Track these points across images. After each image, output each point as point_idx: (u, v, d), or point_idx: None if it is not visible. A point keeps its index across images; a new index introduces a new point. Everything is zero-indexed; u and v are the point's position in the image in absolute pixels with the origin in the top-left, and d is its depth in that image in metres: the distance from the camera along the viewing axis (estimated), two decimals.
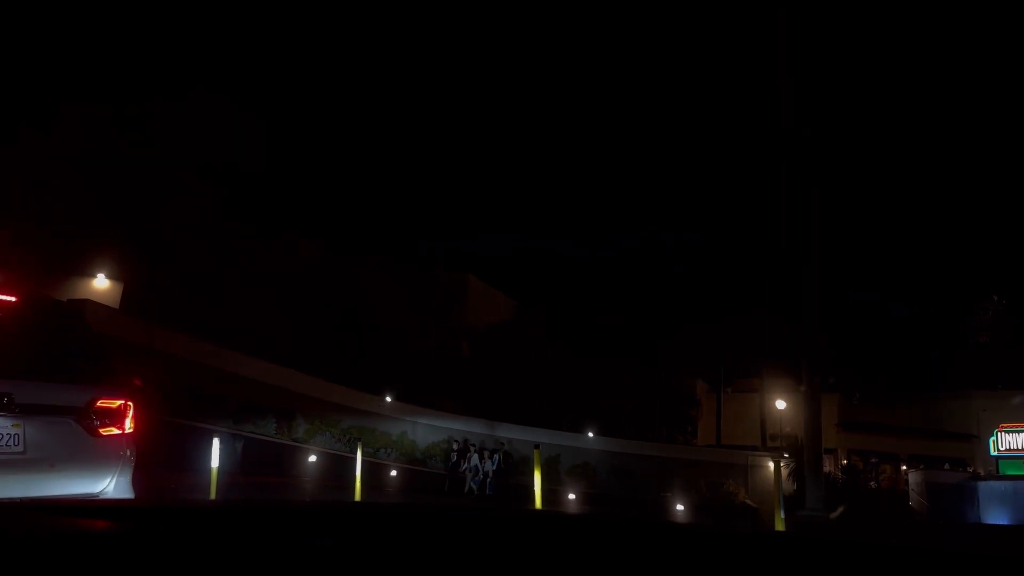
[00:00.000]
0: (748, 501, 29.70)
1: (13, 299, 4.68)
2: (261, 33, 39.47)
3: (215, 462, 9.45)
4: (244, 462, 20.00)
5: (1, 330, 4.54)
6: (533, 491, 8.46)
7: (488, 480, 24.25)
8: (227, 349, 22.11)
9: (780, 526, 8.56)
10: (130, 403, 4.92)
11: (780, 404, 33.98)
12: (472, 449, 24.62)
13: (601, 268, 38.92)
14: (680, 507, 26.25)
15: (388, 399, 27.68)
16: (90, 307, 18.72)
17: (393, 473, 24.54)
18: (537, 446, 9.76)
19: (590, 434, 30.85)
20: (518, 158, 53.93)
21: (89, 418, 4.58)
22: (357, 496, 11.68)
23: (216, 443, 9.58)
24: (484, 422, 29.80)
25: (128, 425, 4.87)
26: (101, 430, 4.64)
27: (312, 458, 22.65)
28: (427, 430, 28.38)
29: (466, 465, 24.30)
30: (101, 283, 23.79)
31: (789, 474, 27.56)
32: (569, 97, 53.47)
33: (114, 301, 23.05)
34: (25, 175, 21.34)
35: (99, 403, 4.67)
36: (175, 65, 30.47)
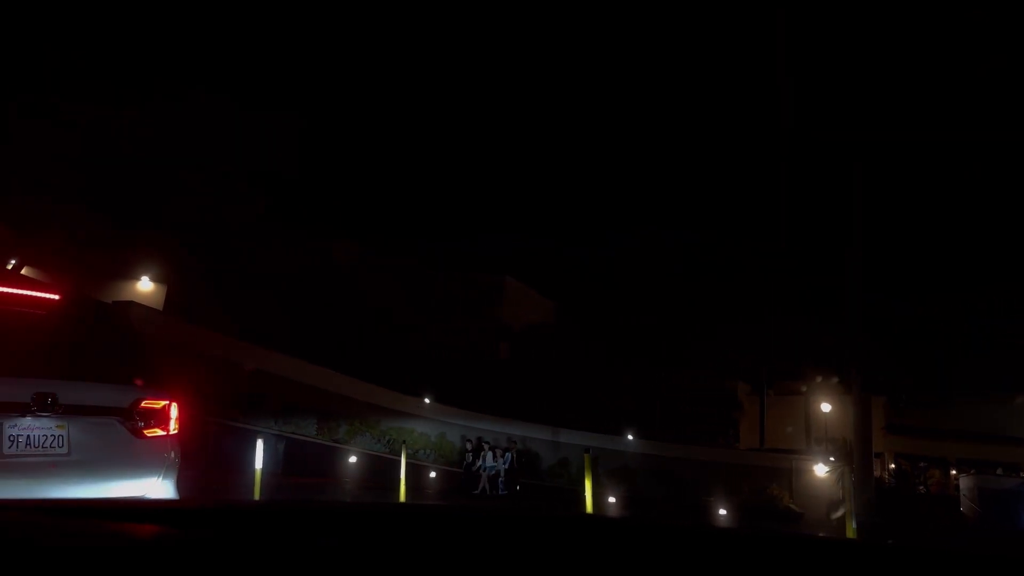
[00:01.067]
0: (793, 506, 29.10)
1: (56, 297, 4.63)
2: (296, 39, 39.85)
3: (259, 463, 9.40)
4: (286, 463, 20.08)
5: (44, 330, 4.51)
6: (583, 494, 8.29)
7: (500, 479, 23.82)
8: (268, 350, 22.24)
9: (851, 534, 8.23)
10: (174, 404, 4.85)
11: (825, 407, 33.23)
12: (486, 447, 24.14)
13: (637, 269, 38.52)
14: (723, 511, 25.80)
15: (427, 400, 27.67)
16: (135, 309, 18.93)
17: (432, 475, 24.48)
18: (588, 450, 9.56)
19: (629, 436, 30.52)
20: (545, 158, 53.70)
21: (133, 419, 4.52)
22: (402, 498, 11.59)
23: (260, 444, 9.53)
24: (522, 424, 29.64)
25: (172, 426, 4.81)
26: (145, 431, 4.58)
27: (352, 459, 22.69)
28: (466, 432, 28.31)
29: (480, 463, 23.76)
30: (145, 286, 24.16)
31: (837, 479, 26.87)
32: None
33: (158, 303, 23.36)
34: (71, 180, 21.72)
35: (143, 404, 4.61)
36: (214, 71, 30.88)
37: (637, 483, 28.07)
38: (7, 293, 4.38)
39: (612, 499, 26.53)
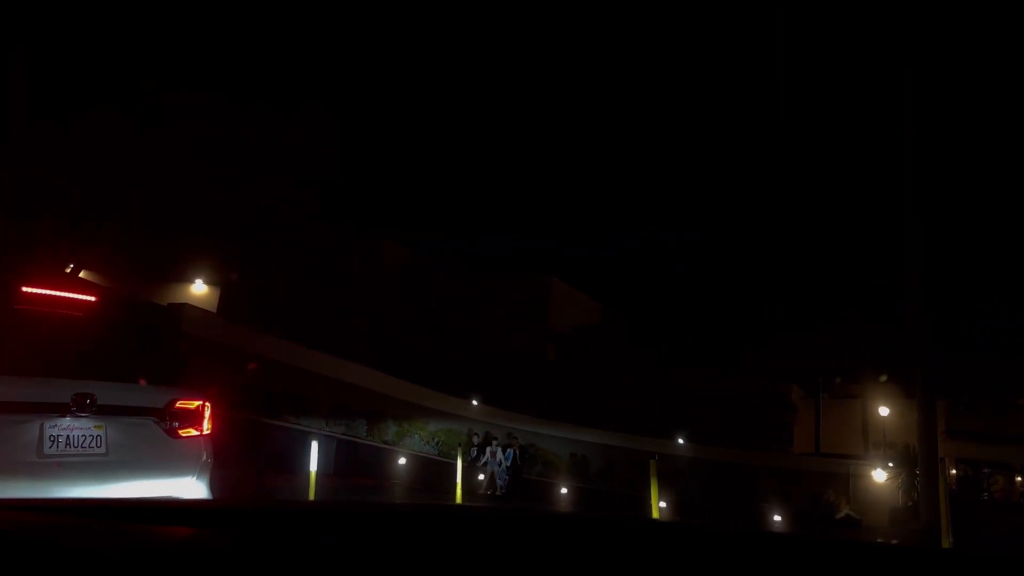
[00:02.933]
0: (851, 512, 28.28)
1: (92, 299, 4.74)
2: (341, 43, 40.20)
3: (313, 465, 9.32)
4: (337, 464, 20.10)
5: (82, 331, 4.59)
6: (648, 500, 8.03)
7: (502, 477, 22.44)
8: (318, 352, 22.36)
9: (946, 543, 7.81)
10: (208, 404, 4.91)
11: (883, 411, 32.23)
12: (493, 443, 22.86)
13: (687, 271, 37.90)
14: (777, 517, 25.15)
15: (474, 402, 27.59)
16: (188, 311, 19.18)
17: (480, 477, 24.34)
18: (654, 456, 9.29)
19: (680, 440, 30.01)
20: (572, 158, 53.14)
21: (168, 419, 4.59)
22: (458, 500, 11.47)
23: (314, 446, 9.46)
24: (569, 427, 29.37)
25: (206, 426, 4.87)
26: (180, 431, 4.65)
27: (402, 461, 22.66)
28: (517, 434, 28.14)
29: (486, 459, 22.59)
30: (199, 288, 24.53)
31: (899, 485, 26.04)
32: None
33: (211, 306, 23.68)
34: (126, 185, 22.13)
35: (178, 404, 4.68)
36: (265, 76, 31.29)
37: (688, 488, 27.54)
38: (45, 295, 4.45)
39: (663, 504, 26.10)
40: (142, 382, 4.72)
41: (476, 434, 23.87)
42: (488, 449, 22.79)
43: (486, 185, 46.46)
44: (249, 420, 17.91)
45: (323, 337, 24.21)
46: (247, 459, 16.85)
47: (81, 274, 20.89)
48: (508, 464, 22.72)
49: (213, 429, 4.95)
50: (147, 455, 4.48)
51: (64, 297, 4.55)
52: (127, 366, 4.69)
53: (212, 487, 4.88)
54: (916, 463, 23.49)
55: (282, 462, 17.44)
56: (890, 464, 29.11)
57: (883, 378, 32.48)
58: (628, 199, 53.68)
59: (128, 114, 22.04)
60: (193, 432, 4.74)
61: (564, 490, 25.40)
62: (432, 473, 22.37)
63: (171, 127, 23.99)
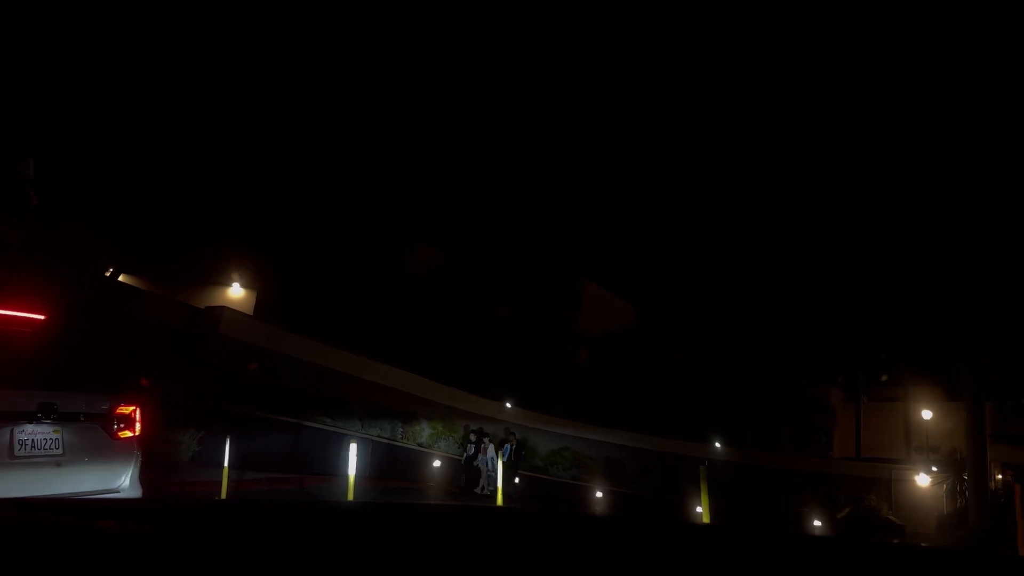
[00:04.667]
0: (892, 517, 27.68)
1: (41, 318, 5.37)
2: (374, 49, 40.39)
3: (352, 469, 9.26)
4: (373, 466, 20.10)
5: (38, 346, 5.21)
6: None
7: (492, 473, 21.50)
8: (353, 354, 22.42)
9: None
10: (138, 408, 5.54)
11: (926, 414, 31.48)
12: (486, 440, 21.65)
13: (720, 273, 37.39)
14: (817, 522, 24.68)
15: (508, 405, 27.48)
16: (226, 314, 19.33)
17: (516, 480, 24.21)
18: (704, 462, 9.09)
19: (716, 444, 29.61)
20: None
21: (110, 423, 5.27)
22: (499, 503, 11.35)
23: (353, 448, 9.40)
24: (602, 430, 29.13)
25: (138, 428, 5.48)
26: (119, 433, 5.31)
27: (436, 463, 22.60)
28: (547, 437, 27.96)
29: (482, 457, 21.31)
30: (236, 292, 24.75)
31: (945, 491, 25.43)
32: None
33: (247, 308, 23.87)
34: (167, 191, 22.41)
35: (117, 409, 5.34)
36: (298, 81, 31.52)
37: (726, 493, 27.14)
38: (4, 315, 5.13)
39: (699, 509, 25.76)
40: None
41: (473, 431, 22.91)
42: (482, 446, 21.62)
43: (516, 185, 46.30)
44: (283, 423, 17.99)
45: (356, 339, 24.30)
46: (285, 461, 16.94)
47: (120, 278, 21.22)
48: (505, 460, 21.80)
49: (143, 430, 5.55)
50: (95, 454, 5.12)
51: (11, 317, 5.21)
52: (77, 375, 5.35)
53: (142, 480, 5.50)
54: (963, 467, 22.87)
55: (318, 464, 17.47)
56: (934, 468, 28.46)
57: (919, 384, 31.65)
58: (663, 197, 53.27)
59: (169, 122, 22.31)
60: (128, 434, 5.37)
61: (599, 494, 25.19)
62: (469, 476, 22.28)
63: (209, 135, 24.25)
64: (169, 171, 21.94)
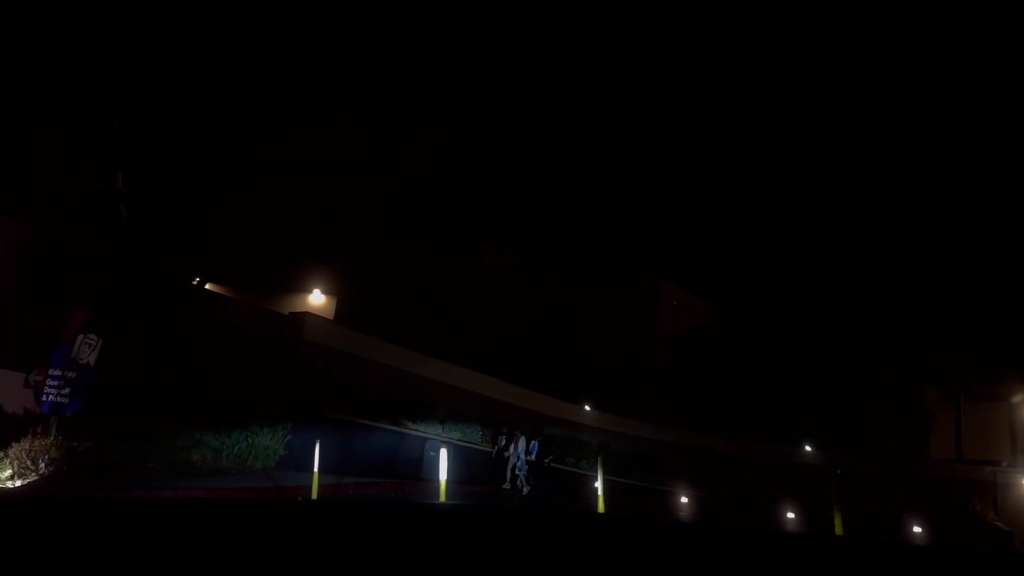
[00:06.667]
0: (999, 523, 26.10)
1: None
2: (444, 54, 40.62)
3: (443, 473, 9.11)
4: (453, 470, 20.01)
5: None
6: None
7: (522, 468, 20.25)
8: (432, 357, 22.45)
9: None
10: None
11: None
12: (517, 434, 20.86)
13: (810, 273, 36.09)
14: (917, 528, 23.43)
15: (587, 408, 27.11)
16: (309, 319, 19.61)
17: (596, 485, 23.81)
18: (838, 471, 8.64)
19: (807, 447, 28.54)
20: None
21: None
22: (600, 509, 11.04)
23: (444, 453, 9.26)
24: (685, 433, 28.44)
25: None
26: None
27: (522, 469, 22.36)
28: (627, 441, 27.46)
29: (514, 450, 20.54)
30: (317, 298, 25.16)
31: None
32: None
33: (328, 314, 24.23)
34: (248, 205, 22.97)
35: None
36: (373, 91, 31.96)
37: (819, 497, 26.04)
38: None
39: (791, 515, 24.76)
40: None
41: (504, 426, 22.19)
42: (514, 440, 20.79)
43: (586, 186, 45.85)
44: (364, 425, 18.08)
45: (432, 342, 24.35)
46: (366, 464, 17.01)
47: (207, 286, 21.82)
48: (532, 457, 21.08)
49: None
50: None
51: None
52: None
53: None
54: None
55: (401, 467, 17.49)
56: None
57: None
58: (751, 199, 51.92)
59: (252, 135, 22.88)
60: None
61: (684, 499, 24.52)
62: (548, 479, 21.98)
63: (289, 146, 24.75)
64: (252, 182, 22.50)
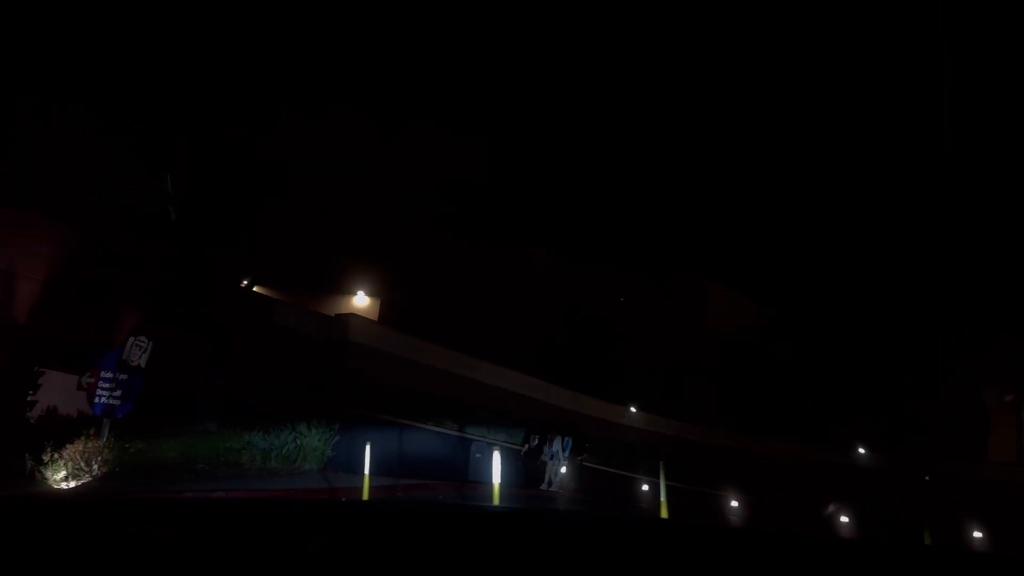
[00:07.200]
0: None
1: None
2: (485, 57, 40.59)
3: (496, 477, 8.90)
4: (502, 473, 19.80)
5: None
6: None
7: (559, 468, 20.05)
8: (476, 359, 22.27)
9: None
10: None
11: None
12: (551, 436, 20.48)
13: (863, 272, 35.13)
14: (978, 533, 22.57)
15: (632, 409, 26.73)
16: (354, 321, 19.58)
17: (645, 488, 23.41)
18: (928, 478, 8.21)
19: (860, 450, 27.72)
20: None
21: None
22: (663, 515, 10.73)
23: (497, 457, 9.05)
24: (734, 436, 27.87)
25: None
26: None
27: (563, 470, 22.09)
28: (676, 444, 26.98)
29: (548, 449, 20.21)
30: (360, 300, 25.18)
31: None
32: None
33: (372, 316, 24.23)
34: (295, 203, 23.10)
35: None
36: (414, 94, 31.98)
37: (872, 500, 25.25)
38: None
39: (845, 519, 24.02)
40: None
41: (534, 430, 21.69)
42: (548, 438, 20.53)
43: (625, 185, 45.37)
44: (409, 427, 17.97)
45: (476, 343, 24.18)
46: (411, 466, 16.90)
47: (255, 288, 21.96)
48: (567, 454, 20.57)
49: None
50: None
51: None
52: None
53: None
54: None
55: (447, 469, 17.35)
56: None
57: None
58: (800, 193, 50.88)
59: (297, 139, 23.04)
60: None
61: (734, 503, 23.97)
62: (598, 482, 21.66)
63: (332, 150, 24.86)
64: (297, 184, 22.65)
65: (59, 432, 10.23)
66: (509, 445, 21.16)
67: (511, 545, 1.75)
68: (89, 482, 9.81)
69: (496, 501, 8.85)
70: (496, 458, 9.00)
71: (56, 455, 9.66)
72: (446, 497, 14.50)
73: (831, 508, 23.01)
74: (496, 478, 8.87)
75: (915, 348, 30.40)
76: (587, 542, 1.90)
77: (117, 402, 10.42)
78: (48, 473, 9.63)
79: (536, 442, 20.71)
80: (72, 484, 9.71)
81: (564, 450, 20.71)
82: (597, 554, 1.70)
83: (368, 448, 10.56)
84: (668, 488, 24.37)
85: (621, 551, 1.78)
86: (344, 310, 22.57)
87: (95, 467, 9.82)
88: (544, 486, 20.09)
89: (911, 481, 25.70)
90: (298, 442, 14.16)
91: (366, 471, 10.35)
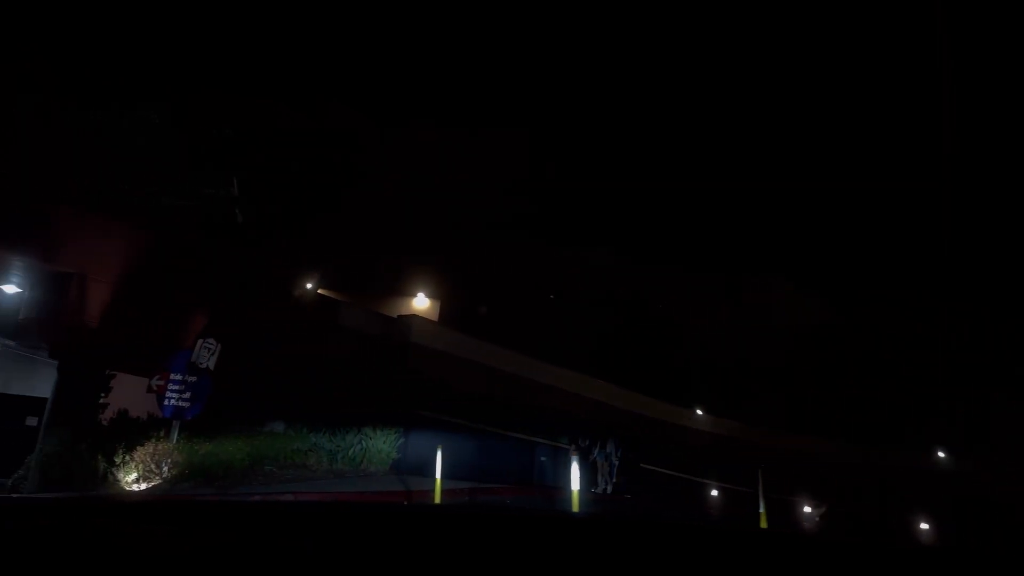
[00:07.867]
0: None
1: None
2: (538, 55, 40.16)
3: (575, 483, 8.50)
4: (562, 476, 19.36)
5: None
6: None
7: (611, 471, 19.69)
8: (541, 361, 21.88)
9: None
10: None
11: None
12: (600, 439, 20.12)
13: (937, 268, 33.48)
14: None
15: (699, 412, 26.02)
16: (415, 323, 19.42)
17: (714, 492, 22.68)
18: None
19: (940, 453, 26.42)
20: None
21: None
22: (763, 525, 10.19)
23: (575, 463, 8.65)
24: (808, 440, 26.90)
25: None
26: None
27: (612, 473, 21.56)
28: (744, 448, 26.15)
29: (599, 452, 20.00)
30: (421, 302, 25.09)
31: None
32: None
33: (432, 317, 24.09)
34: (360, 214, 23.16)
35: None
36: (472, 94, 31.75)
37: (945, 506, 23.92)
38: None
39: (925, 526, 22.83)
40: None
41: (583, 436, 21.02)
42: (599, 440, 20.33)
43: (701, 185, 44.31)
44: (472, 429, 17.70)
45: (539, 344, 23.81)
46: (477, 470, 16.63)
47: (319, 291, 22.03)
48: (618, 455, 20.00)
49: None
50: None
51: None
52: None
53: None
54: None
55: (513, 473, 17.02)
56: None
57: None
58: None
59: (362, 141, 23.09)
60: None
61: (807, 508, 23.04)
62: (665, 488, 21.05)
63: (395, 152, 24.88)
64: (361, 187, 22.68)
65: (130, 434, 10.21)
66: (563, 448, 20.71)
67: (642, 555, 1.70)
68: (159, 484, 9.75)
69: (575, 507, 8.44)
70: (575, 464, 8.59)
71: (127, 457, 9.63)
72: (512, 501, 14.15)
73: (914, 515, 21.92)
74: (575, 484, 8.46)
75: (1006, 350, 28.85)
76: (718, 555, 1.80)
77: (186, 404, 10.37)
78: (120, 475, 9.59)
79: (587, 444, 20.35)
80: (143, 486, 9.66)
81: (616, 452, 20.35)
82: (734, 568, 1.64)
83: (440, 452, 10.29)
84: (735, 493, 23.67)
85: (749, 564, 1.71)
86: (405, 312, 22.47)
87: (164, 469, 9.76)
88: (595, 488, 19.70)
89: (999, 484, 24.34)
90: (363, 444, 14.01)
91: (437, 475, 10.08)
